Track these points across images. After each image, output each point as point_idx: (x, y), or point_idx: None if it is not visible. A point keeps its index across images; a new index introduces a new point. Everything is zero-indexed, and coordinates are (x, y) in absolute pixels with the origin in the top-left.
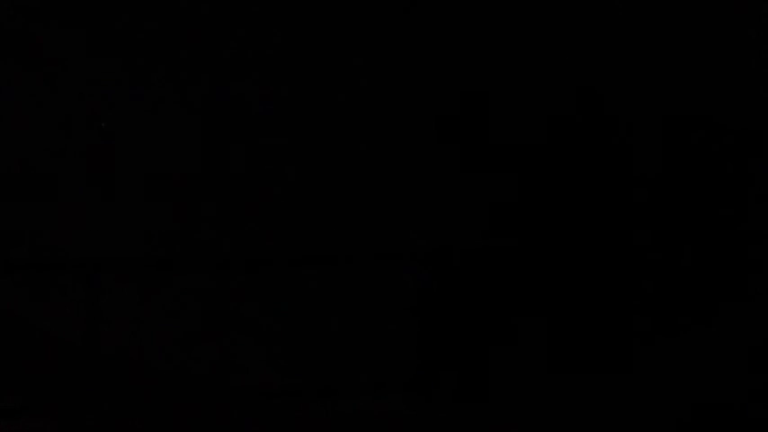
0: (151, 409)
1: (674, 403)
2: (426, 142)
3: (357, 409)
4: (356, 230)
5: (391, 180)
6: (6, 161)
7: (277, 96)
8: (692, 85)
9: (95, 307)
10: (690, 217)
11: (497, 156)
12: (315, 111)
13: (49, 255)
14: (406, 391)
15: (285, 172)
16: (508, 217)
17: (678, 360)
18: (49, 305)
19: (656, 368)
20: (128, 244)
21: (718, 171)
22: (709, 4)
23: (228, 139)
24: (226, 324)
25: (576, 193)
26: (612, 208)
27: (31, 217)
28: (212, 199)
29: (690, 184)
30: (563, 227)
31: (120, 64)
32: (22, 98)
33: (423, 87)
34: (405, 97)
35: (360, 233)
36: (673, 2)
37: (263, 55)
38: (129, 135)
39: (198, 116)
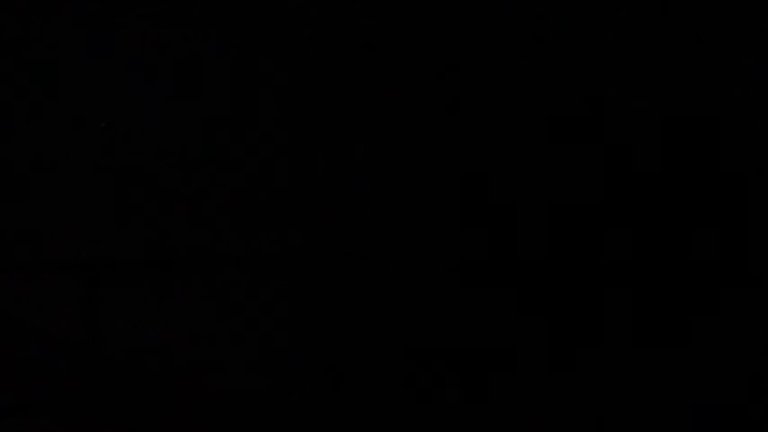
0: (151, 409)
1: (673, 403)
2: (423, 142)
3: (355, 410)
4: (358, 229)
5: (390, 181)
6: (6, 161)
7: (278, 97)
8: (691, 85)
9: (95, 307)
10: (690, 217)
11: (497, 155)
12: (313, 110)
13: (50, 255)
14: (404, 391)
15: (285, 171)
16: (507, 215)
17: (678, 360)
18: (49, 305)
19: (656, 368)
20: (128, 244)
21: (719, 170)
22: (710, 2)
23: (228, 138)
24: (225, 324)
25: (575, 192)
26: (610, 207)
27: (31, 217)
28: (212, 199)
29: (689, 183)
30: (563, 225)
31: (122, 63)
32: (22, 96)
33: (419, 86)
34: (400, 96)
35: (361, 232)
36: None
37: (275, 48)
38: (129, 134)
39: (198, 114)
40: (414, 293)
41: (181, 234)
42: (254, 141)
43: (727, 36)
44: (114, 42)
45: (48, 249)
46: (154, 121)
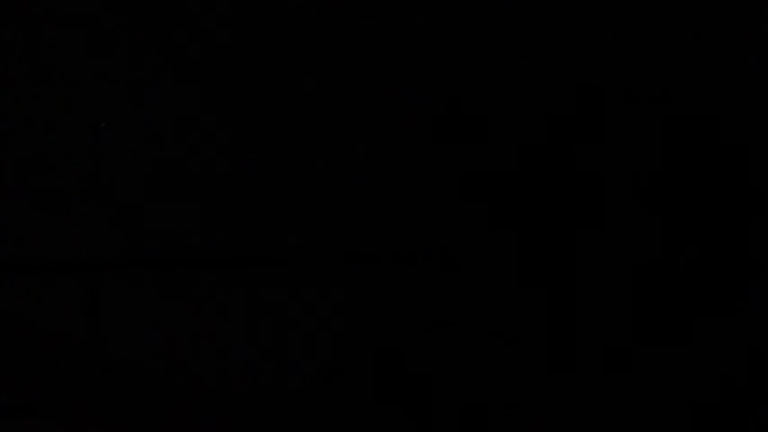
0: (151, 409)
1: (675, 403)
2: (421, 142)
3: (354, 410)
4: (356, 229)
5: (387, 180)
6: (5, 160)
7: (277, 96)
8: (692, 83)
9: (96, 307)
10: (691, 216)
11: (495, 154)
12: (310, 110)
13: (50, 254)
14: (404, 391)
15: (284, 171)
16: (506, 216)
17: (680, 360)
18: (49, 305)
19: (657, 368)
20: (128, 244)
21: (720, 169)
22: (710, 2)
23: (227, 139)
24: (226, 324)
25: (576, 192)
26: (610, 206)
27: (30, 216)
28: (213, 198)
29: (690, 182)
30: (563, 225)
31: (122, 62)
32: (21, 95)
33: (415, 86)
34: (398, 96)
35: (359, 231)
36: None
37: (266, 52)
38: (128, 134)
39: (197, 115)
40: (412, 294)
41: (182, 234)
42: (256, 140)
43: (727, 36)
44: (114, 41)
45: (48, 249)
46: (152, 120)
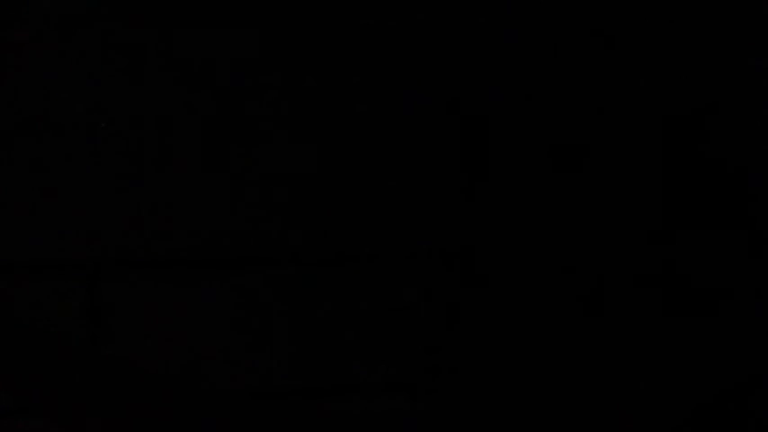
0: (151, 409)
1: (675, 399)
2: (423, 142)
3: (355, 410)
4: (355, 229)
5: (391, 179)
6: (5, 160)
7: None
8: (692, 79)
9: (96, 307)
10: (690, 212)
11: (498, 155)
12: (310, 108)
13: (50, 254)
14: (406, 391)
15: (284, 170)
16: (507, 217)
17: (679, 355)
18: (49, 305)
19: (657, 363)
20: (128, 244)
21: (719, 164)
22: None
23: (227, 138)
24: (227, 324)
25: (576, 189)
26: (610, 203)
27: (29, 216)
28: (213, 198)
29: (690, 177)
30: (564, 223)
31: (120, 60)
32: (20, 94)
33: (415, 86)
34: (398, 96)
35: (359, 231)
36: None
37: (262, 52)
38: (128, 133)
39: (196, 115)
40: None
41: (181, 234)
42: (257, 140)
43: (727, 34)
44: (116, 42)
45: (48, 248)
46: (153, 120)
